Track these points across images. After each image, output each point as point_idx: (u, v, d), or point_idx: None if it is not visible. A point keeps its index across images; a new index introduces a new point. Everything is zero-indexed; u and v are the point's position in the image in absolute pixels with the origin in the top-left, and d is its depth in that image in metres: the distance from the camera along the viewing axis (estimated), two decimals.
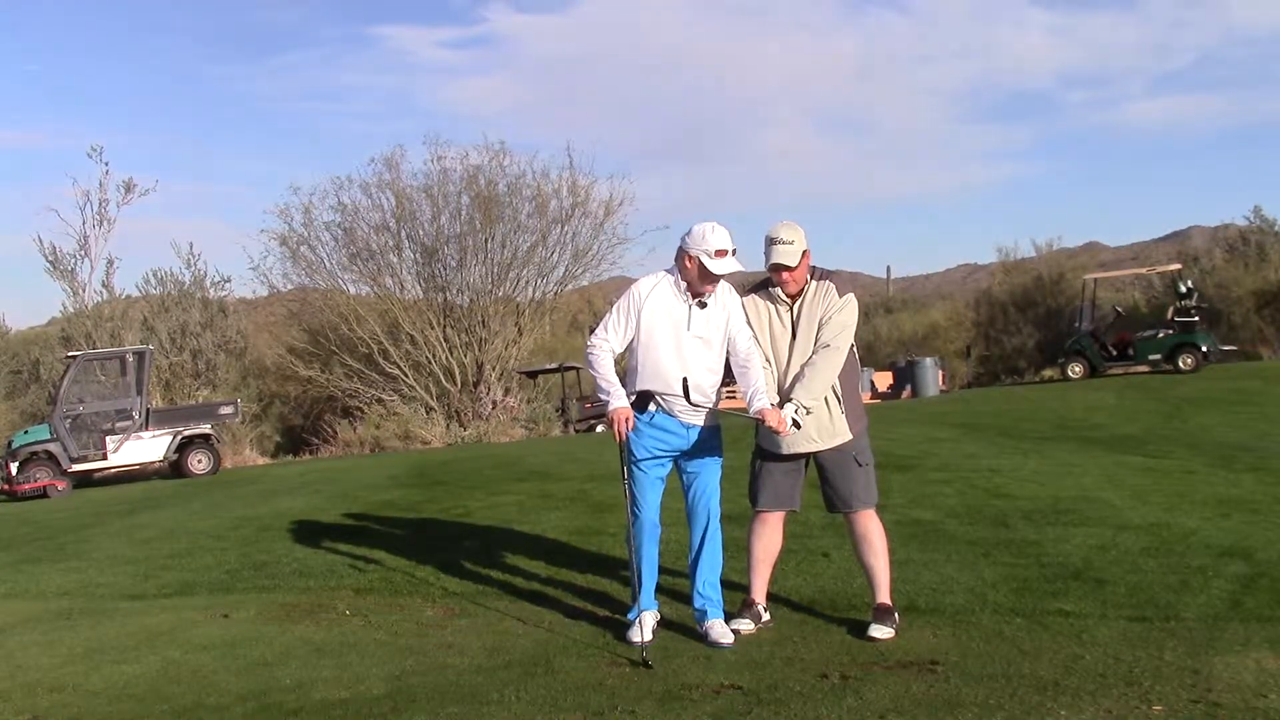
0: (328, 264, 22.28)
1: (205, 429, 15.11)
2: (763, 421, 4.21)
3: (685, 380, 4.28)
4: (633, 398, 4.34)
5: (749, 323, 4.39)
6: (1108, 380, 18.05)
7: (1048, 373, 23.57)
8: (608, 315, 4.41)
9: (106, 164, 20.27)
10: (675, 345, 4.31)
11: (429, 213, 21.80)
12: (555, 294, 23.03)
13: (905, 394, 21.93)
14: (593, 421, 21.08)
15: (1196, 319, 18.63)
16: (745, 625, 4.38)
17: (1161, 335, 18.80)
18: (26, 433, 14.90)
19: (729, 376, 4.48)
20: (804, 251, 4.24)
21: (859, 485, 4.36)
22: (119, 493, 13.03)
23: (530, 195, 21.91)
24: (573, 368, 23.08)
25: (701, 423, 4.39)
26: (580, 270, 22.80)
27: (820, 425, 4.32)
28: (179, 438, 14.82)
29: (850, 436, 4.36)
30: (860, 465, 4.37)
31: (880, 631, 4.18)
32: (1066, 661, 3.77)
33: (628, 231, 22.67)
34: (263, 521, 8.12)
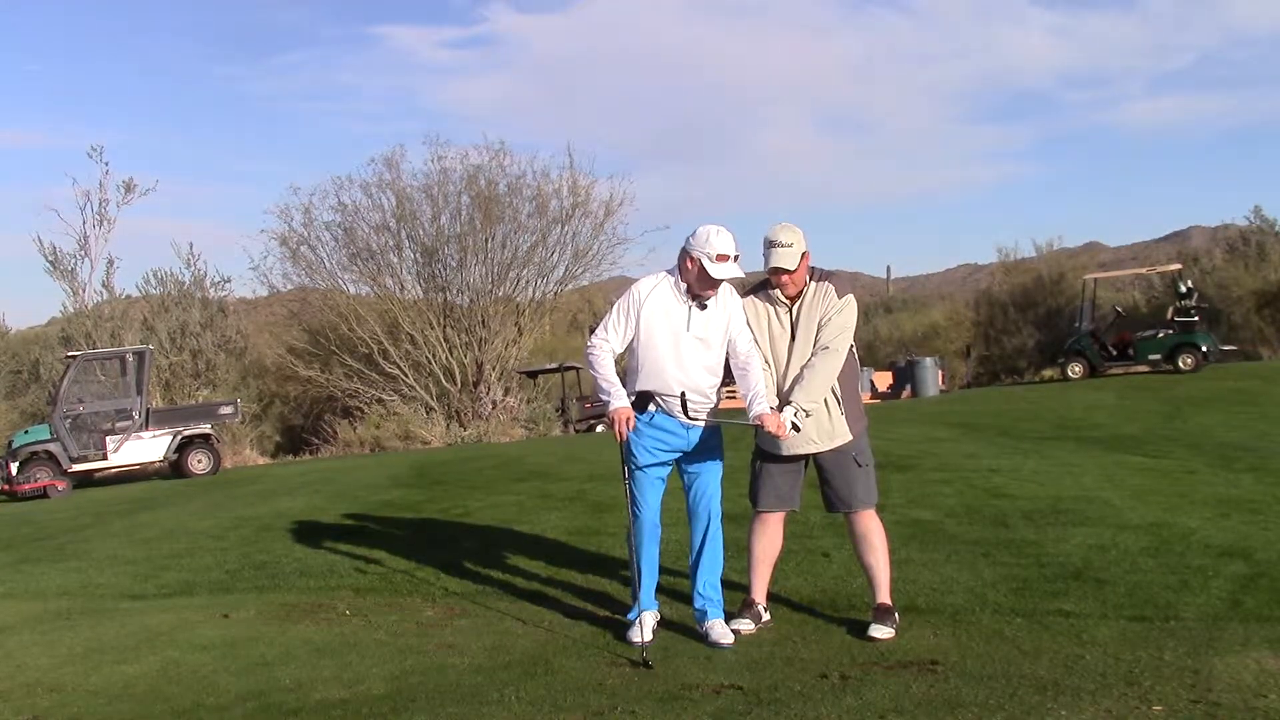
0: (328, 264, 22.34)
1: (205, 429, 15.11)
2: (762, 427, 4.21)
3: (683, 395, 4.27)
4: (632, 398, 4.33)
5: (748, 324, 4.39)
6: (1108, 380, 18.05)
7: (1048, 373, 23.57)
8: (608, 315, 4.41)
9: (106, 164, 20.35)
10: (674, 346, 4.30)
11: (429, 213, 21.85)
12: (555, 294, 23.06)
13: (905, 394, 21.92)
14: (593, 421, 21.08)
15: (1196, 319, 18.62)
16: (745, 625, 4.38)
17: (1161, 335, 18.79)
18: (26, 433, 14.91)
19: (729, 377, 4.48)
20: (803, 253, 4.24)
21: (859, 486, 4.37)
22: (119, 493, 13.03)
23: (530, 195, 21.96)
24: (573, 368, 23.09)
25: (702, 423, 4.39)
26: (580, 270, 22.85)
27: (820, 426, 4.32)
28: (179, 438, 14.82)
29: (850, 437, 4.36)
30: (860, 466, 4.37)
31: (880, 631, 4.18)
32: (1066, 661, 3.77)
33: (628, 232, 22.76)
34: (263, 521, 8.12)
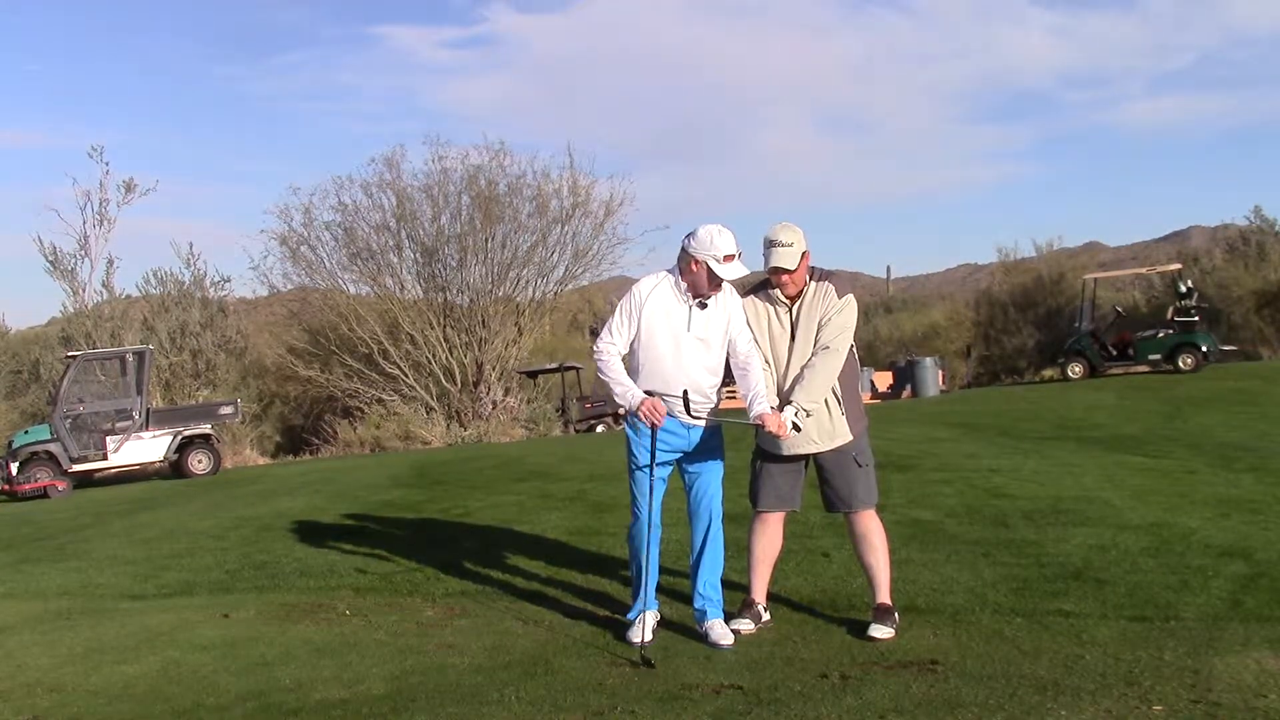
0: (328, 264, 22.35)
1: (205, 429, 15.12)
2: (763, 427, 4.21)
3: (685, 394, 4.26)
4: None
5: (748, 324, 4.39)
6: (1108, 380, 18.05)
7: (1048, 373, 23.57)
8: (611, 318, 4.42)
9: (107, 164, 20.39)
10: (675, 346, 4.30)
11: (429, 213, 21.86)
12: (555, 294, 23.06)
13: (905, 394, 21.92)
14: (593, 421, 21.09)
15: (1196, 319, 18.62)
16: (745, 625, 4.38)
17: (1161, 335, 18.79)
18: (27, 433, 14.91)
19: (729, 377, 4.48)
20: (803, 253, 4.23)
21: (859, 486, 4.36)
22: (119, 493, 13.03)
23: (530, 195, 21.97)
24: (573, 368, 23.09)
25: (703, 424, 4.39)
26: (580, 270, 22.86)
27: (820, 426, 4.32)
28: (179, 438, 14.83)
29: (850, 437, 4.36)
30: (860, 466, 4.37)
31: (880, 631, 4.18)
32: (1066, 661, 3.77)
33: (628, 231, 22.77)
34: (263, 521, 8.13)
